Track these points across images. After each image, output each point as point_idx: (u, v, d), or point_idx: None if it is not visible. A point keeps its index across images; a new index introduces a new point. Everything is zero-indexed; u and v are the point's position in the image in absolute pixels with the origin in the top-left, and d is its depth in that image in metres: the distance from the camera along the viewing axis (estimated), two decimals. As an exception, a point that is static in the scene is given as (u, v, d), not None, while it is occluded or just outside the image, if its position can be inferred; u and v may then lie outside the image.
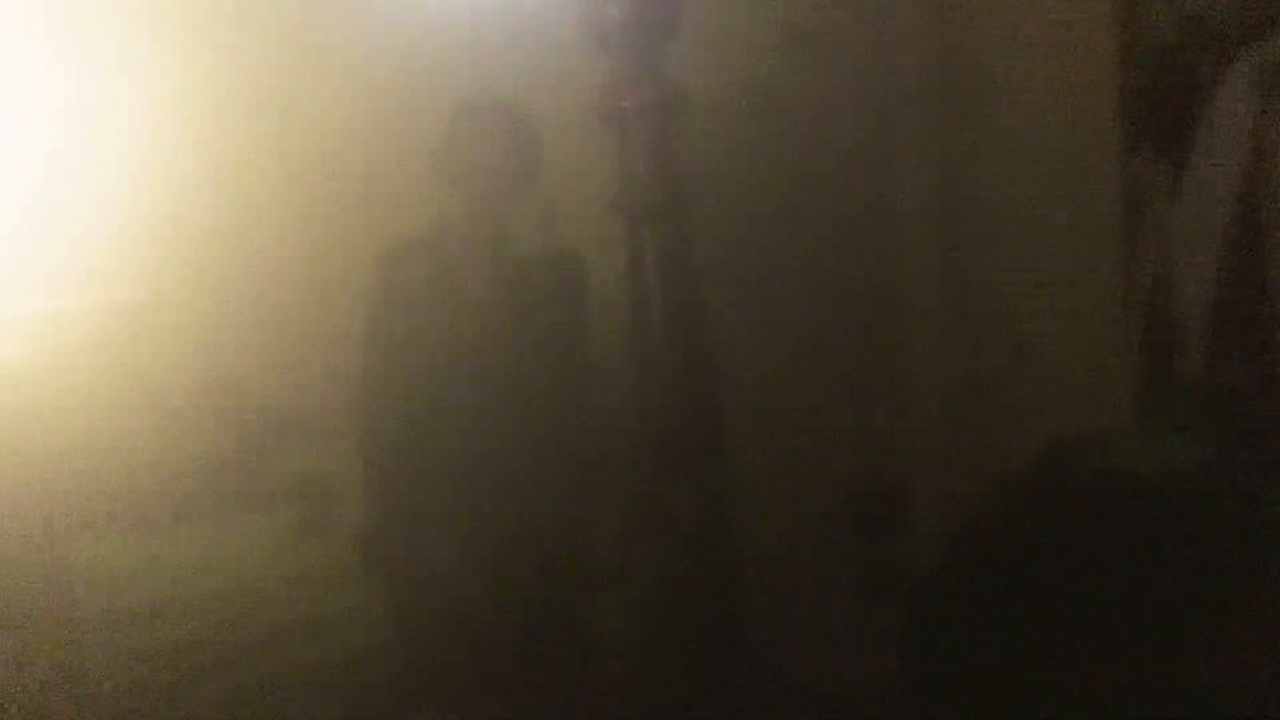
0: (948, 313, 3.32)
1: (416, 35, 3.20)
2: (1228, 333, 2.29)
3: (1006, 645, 2.02)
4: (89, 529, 3.19)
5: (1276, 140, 2.27)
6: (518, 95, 2.96)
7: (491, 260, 2.97)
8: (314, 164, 3.31)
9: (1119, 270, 2.62)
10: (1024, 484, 2.18)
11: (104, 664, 3.10)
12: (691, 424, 2.82)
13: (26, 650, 3.01)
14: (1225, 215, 2.31)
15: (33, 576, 3.09)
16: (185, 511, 3.26)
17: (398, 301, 2.97)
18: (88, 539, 3.20)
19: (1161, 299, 2.46)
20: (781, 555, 3.09)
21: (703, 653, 2.79)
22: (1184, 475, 1.98)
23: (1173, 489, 1.95)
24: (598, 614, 3.02)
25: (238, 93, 3.27)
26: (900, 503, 3.16)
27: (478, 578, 2.92)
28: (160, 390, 3.31)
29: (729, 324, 2.98)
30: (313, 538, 3.28)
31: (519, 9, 3.18)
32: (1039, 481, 2.15)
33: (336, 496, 3.24)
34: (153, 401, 3.29)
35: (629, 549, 2.94)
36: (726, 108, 3.16)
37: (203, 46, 3.26)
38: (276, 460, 3.38)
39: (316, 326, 3.26)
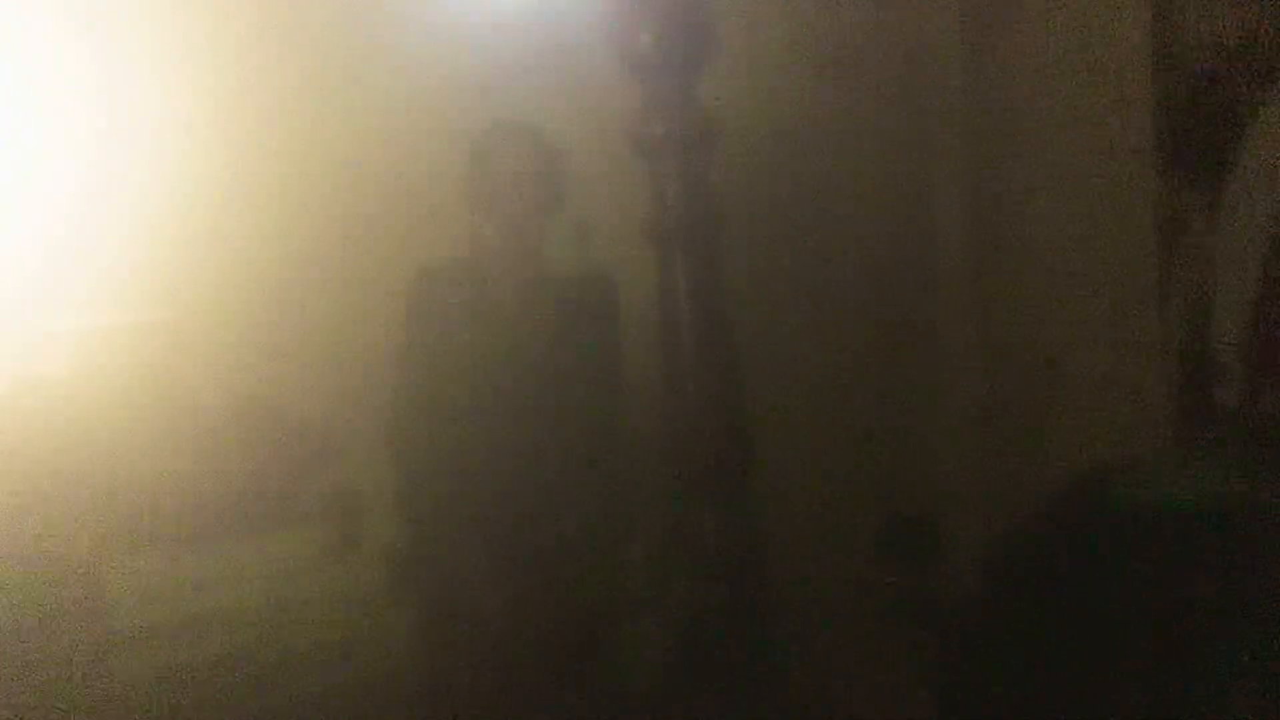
0: (982, 339, 3.32)
1: (450, 61, 3.23)
2: (1265, 360, 2.28)
3: (1040, 672, 2.02)
4: (123, 545, 3.21)
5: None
6: (551, 120, 2.98)
7: (524, 283, 2.99)
8: (350, 186, 3.33)
9: (1156, 297, 2.61)
10: (1059, 511, 2.19)
11: (138, 680, 3.12)
12: (723, 446, 2.83)
13: (61, 665, 3.04)
14: (1262, 242, 2.30)
15: (67, 592, 3.11)
16: (219, 529, 3.28)
17: (431, 323, 2.99)
18: (122, 555, 3.22)
19: (1198, 326, 2.45)
20: (813, 580, 3.09)
21: (733, 679, 2.79)
22: (1220, 503, 1.98)
23: (1209, 516, 1.95)
24: (628, 636, 3.03)
25: (273, 116, 3.30)
26: (934, 529, 3.16)
27: (509, 597, 2.94)
28: (195, 408, 3.34)
29: (760, 348, 2.99)
30: (346, 556, 3.30)
31: (553, 35, 3.20)
32: (1075, 509, 2.15)
33: (370, 515, 3.26)
34: (187, 419, 3.32)
35: (660, 571, 2.95)
36: (757, 133, 3.17)
37: (239, 72, 3.29)
38: (310, 479, 3.41)
39: (350, 347, 3.28)
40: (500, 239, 2.97)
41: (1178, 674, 1.89)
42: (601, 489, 2.98)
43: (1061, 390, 3.01)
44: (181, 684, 3.11)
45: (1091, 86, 2.88)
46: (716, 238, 2.78)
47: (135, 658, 3.13)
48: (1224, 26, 2.46)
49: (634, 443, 2.99)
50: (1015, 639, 2.11)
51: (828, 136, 3.29)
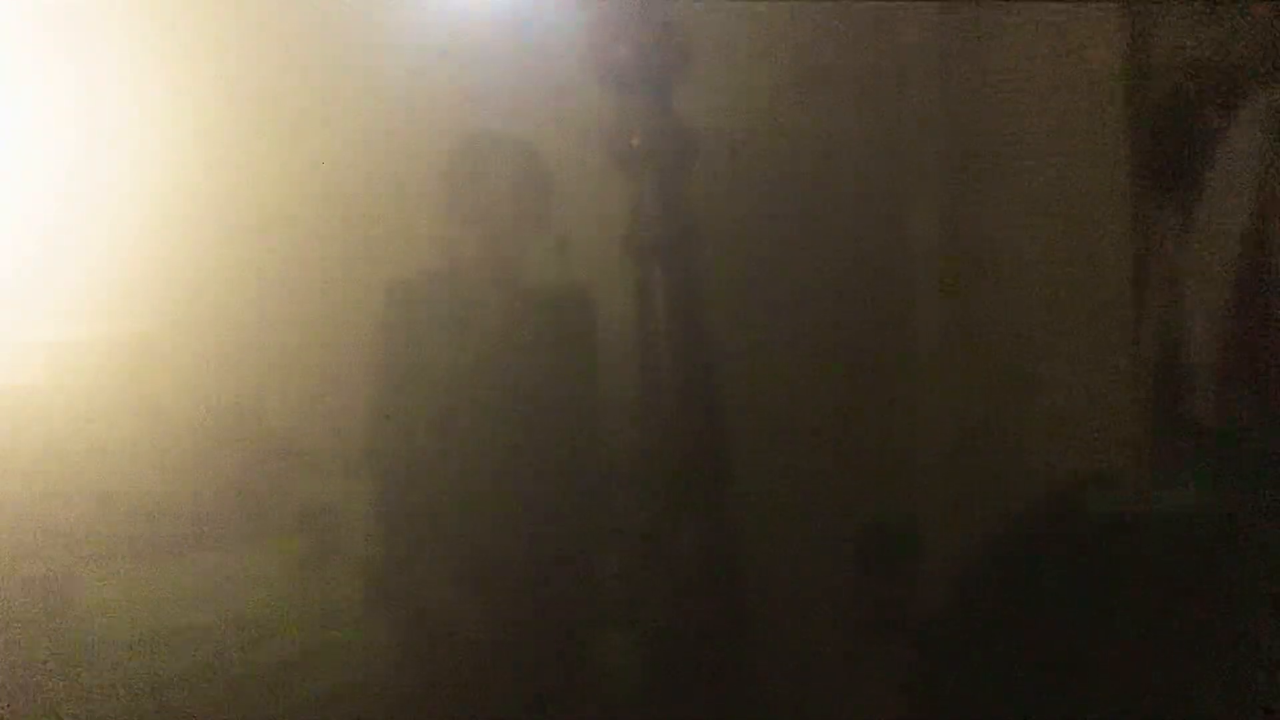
0: (957, 352, 3.33)
1: (426, 72, 3.22)
2: (1237, 376, 2.30)
3: (1014, 683, 2.03)
4: (98, 556, 3.20)
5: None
6: (528, 132, 2.97)
7: (501, 295, 2.99)
8: (326, 197, 3.32)
9: (1130, 311, 2.63)
10: (1033, 525, 2.20)
11: (109, 692, 3.11)
12: (701, 460, 2.83)
13: (34, 677, 3.02)
14: (1234, 258, 2.32)
15: (41, 603, 3.10)
16: (194, 541, 3.27)
17: (408, 335, 2.99)
18: (96, 567, 3.21)
19: (1172, 341, 2.47)
20: (789, 592, 3.09)
21: (709, 691, 2.80)
22: (1192, 517, 2.00)
23: (1181, 531, 1.97)
24: (605, 650, 3.03)
25: (250, 125, 3.29)
26: (908, 542, 3.16)
27: (485, 611, 2.94)
28: (170, 420, 3.32)
29: (738, 361, 2.99)
30: (321, 569, 3.29)
31: (530, 47, 3.20)
32: (1051, 520, 2.17)
33: (345, 528, 3.25)
34: (163, 431, 3.30)
35: (636, 584, 2.95)
36: (737, 146, 3.17)
37: (216, 84, 3.28)
38: (285, 491, 3.39)
39: (326, 359, 3.27)
40: (477, 251, 2.97)
41: (1154, 684, 1.90)
42: (579, 502, 2.98)
43: (1037, 402, 3.02)
44: (154, 697, 3.10)
45: (1067, 103, 2.90)
46: (694, 251, 2.79)
47: (107, 670, 3.11)
48: (1199, 45, 2.48)
49: (611, 456, 2.99)
50: (992, 650, 2.12)
51: (806, 150, 3.29)
